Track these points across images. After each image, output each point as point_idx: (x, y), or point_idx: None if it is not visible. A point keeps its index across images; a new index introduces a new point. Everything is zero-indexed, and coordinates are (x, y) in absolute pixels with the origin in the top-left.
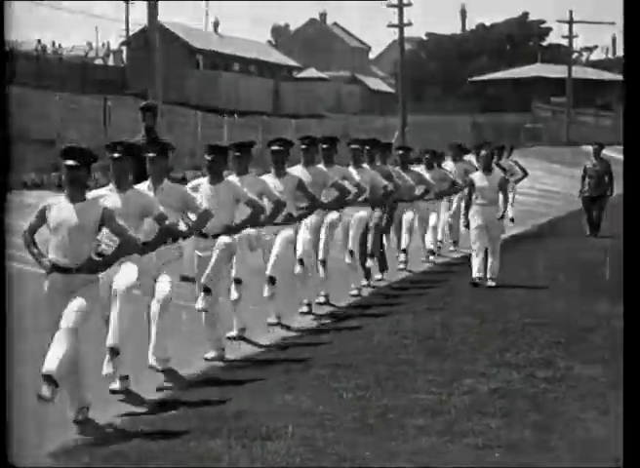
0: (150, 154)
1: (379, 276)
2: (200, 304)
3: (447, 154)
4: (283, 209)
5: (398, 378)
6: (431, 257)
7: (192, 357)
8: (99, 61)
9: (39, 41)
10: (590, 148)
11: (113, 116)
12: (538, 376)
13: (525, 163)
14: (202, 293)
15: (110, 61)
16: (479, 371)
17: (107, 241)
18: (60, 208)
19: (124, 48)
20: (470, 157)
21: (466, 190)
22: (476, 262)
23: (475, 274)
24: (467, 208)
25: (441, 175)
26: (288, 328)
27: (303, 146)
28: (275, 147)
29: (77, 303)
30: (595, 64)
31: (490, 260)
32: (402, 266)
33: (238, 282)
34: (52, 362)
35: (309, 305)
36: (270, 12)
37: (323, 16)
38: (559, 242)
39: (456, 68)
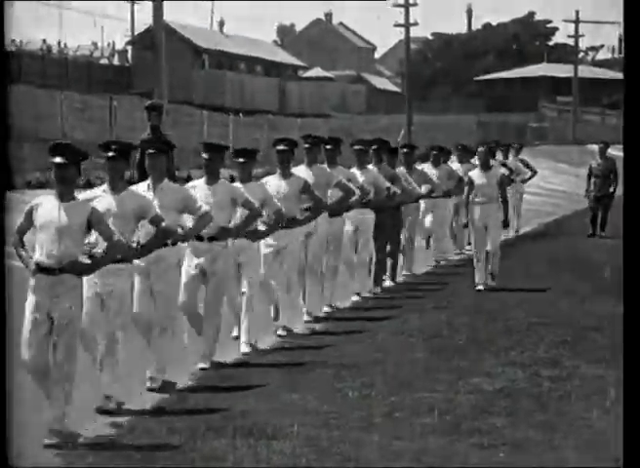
0: (150, 151)
1: (388, 283)
2: None
3: (453, 154)
4: (283, 219)
5: (403, 377)
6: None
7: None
8: (104, 61)
9: (44, 41)
10: (596, 147)
11: (119, 115)
12: (543, 375)
13: (531, 162)
14: None
15: (116, 61)
16: (484, 371)
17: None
18: (49, 206)
19: (129, 47)
20: (498, 157)
21: (465, 189)
22: (478, 268)
23: (477, 280)
24: (467, 206)
25: (448, 172)
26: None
27: (307, 146)
28: (281, 147)
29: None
30: (601, 63)
31: (490, 261)
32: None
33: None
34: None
35: (310, 314)
36: (276, 12)
37: (329, 15)
38: (565, 241)
39: (462, 68)
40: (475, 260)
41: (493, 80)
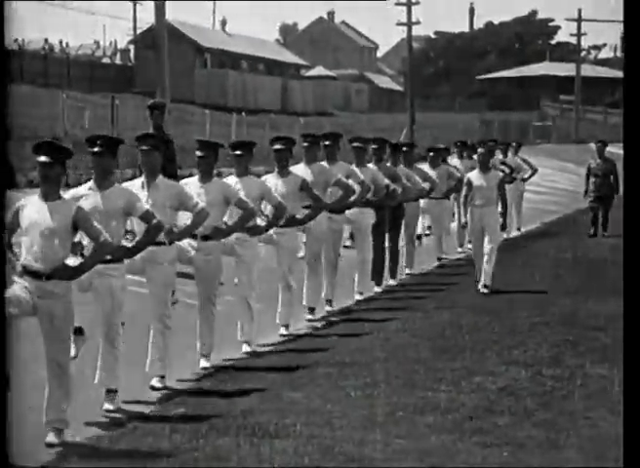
0: (143, 148)
1: (392, 282)
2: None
3: (452, 151)
4: (285, 213)
5: (407, 377)
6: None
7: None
8: (106, 60)
9: (46, 40)
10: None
11: (121, 115)
12: (546, 375)
13: (533, 161)
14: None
15: (118, 60)
16: (488, 370)
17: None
18: (33, 207)
19: (131, 46)
20: (498, 155)
21: (464, 189)
22: (478, 269)
23: (479, 279)
24: (466, 208)
25: (447, 172)
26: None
27: (306, 144)
28: (278, 146)
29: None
30: (604, 62)
31: (484, 265)
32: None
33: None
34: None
35: (312, 310)
36: (278, 10)
37: (331, 14)
38: (568, 240)
39: (464, 66)
40: (475, 262)
41: (495, 79)
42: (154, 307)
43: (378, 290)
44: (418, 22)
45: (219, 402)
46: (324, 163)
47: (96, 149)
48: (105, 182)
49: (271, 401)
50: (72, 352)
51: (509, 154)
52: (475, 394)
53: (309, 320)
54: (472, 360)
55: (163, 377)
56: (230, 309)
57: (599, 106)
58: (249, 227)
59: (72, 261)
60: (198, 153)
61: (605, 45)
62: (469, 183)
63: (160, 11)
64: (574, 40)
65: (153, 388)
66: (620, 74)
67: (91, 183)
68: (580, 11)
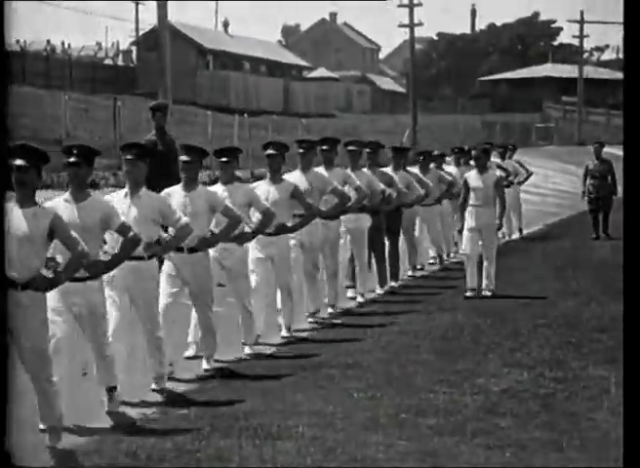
0: (127, 157)
1: (379, 290)
2: None
3: (449, 158)
4: (272, 219)
5: (409, 378)
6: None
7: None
8: (108, 61)
9: (48, 41)
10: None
11: (123, 116)
12: (548, 377)
13: (536, 163)
14: None
15: (120, 61)
16: (490, 372)
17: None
18: (10, 213)
19: (134, 48)
20: (495, 159)
21: (462, 191)
22: (469, 273)
23: (468, 285)
24: (462, 210)
25: (438, 176)
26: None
27: (301, 150)
28: (270, 151)
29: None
30: (606, 64)
31: (485, 268)
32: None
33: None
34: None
35: (315, 312)
36: (280, 12)
37: (333, 15)
38: (570, 242)
39: (466, 68)
40: (466, 263)
41: (497, 80)
42: (143, 323)
43: (380, 291)
44: (420, 24)
45: (221, 403)
46: (320, 169)
47: (72, 159)
48: (82, 194)
49: (274, 402)
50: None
51: (506, 157)
52: (477, 396)
53: (311, 321)
54: (474, 362)
55: (161, 379)
56: (232, 311)
57: (602, 108)
58: (235, 236)
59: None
60: (183, 158)
61: (608, 46)
62: (466, 184)
63: (162, 12)
64: (576, 42)
65: (154, 390)
66: (622, 76)
67: (67, 195)
68: (582, 12)
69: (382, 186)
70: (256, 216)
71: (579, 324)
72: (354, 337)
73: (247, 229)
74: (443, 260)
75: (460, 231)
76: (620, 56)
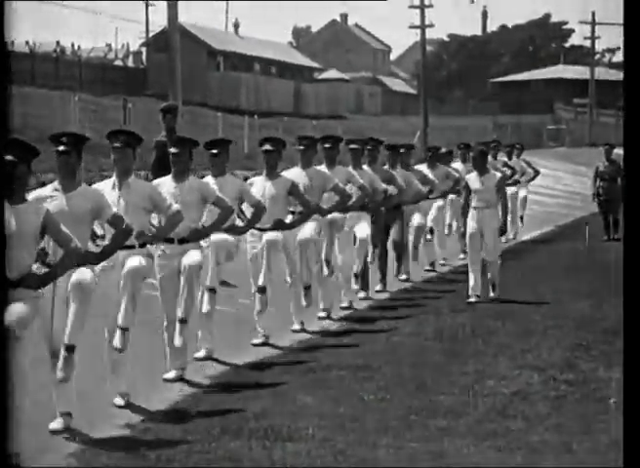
0: (115, 145)
1: (378, 287)
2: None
3: (456, 154)
4: (264, 212)
5: (420, 380)
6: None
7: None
8: (118, 63)
9: (58, 43)
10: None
11: (133, 117)
12: (559, 379)
13: (547, 164)
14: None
15: (130, 63)
16: (501, 374)
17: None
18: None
19: (144, 49)
20: (502, 158)
21: (463, 194)
22: (472, 278)
23: (471, 291)
24: (465, 213)
25: (444, 172)
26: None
27: (301, 147)
28: (267, 147)
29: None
30: (618, 65)
31: (488, 271)
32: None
33: (212, 291)
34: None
35: (327, 310)
36: (291, 13)
37: (344, 17)
38: (581, 243)
39: (477, 69)
40: (470, 268)
41: (509, 82)
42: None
43: (380, 288)
44: (431, 25)
45: (231, 404)
46: (322, 167)
47: (60, 148)
48: (71, 183)
49: (284, 404)
50: (59, 375)
51: (513, 157)
52: (488, 398)
53: (320, 318)
54: (485, 363)
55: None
56: (243, 312)
57: (613, 109)
58: (228, 228)
59: (36, 268)
60: (172, 150)
61: (619, 48)
62: (467, 186)
63: (172, 13)
64: (588, 43)
65: (117, 405)
66: None
67: (56, 184)
68: (593, 14)
69: (384, 185)
70: (248, 210)
71: (589, 326)
72: (365, 339)
73: (238, 223)
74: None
75: (464, 235)
76: None
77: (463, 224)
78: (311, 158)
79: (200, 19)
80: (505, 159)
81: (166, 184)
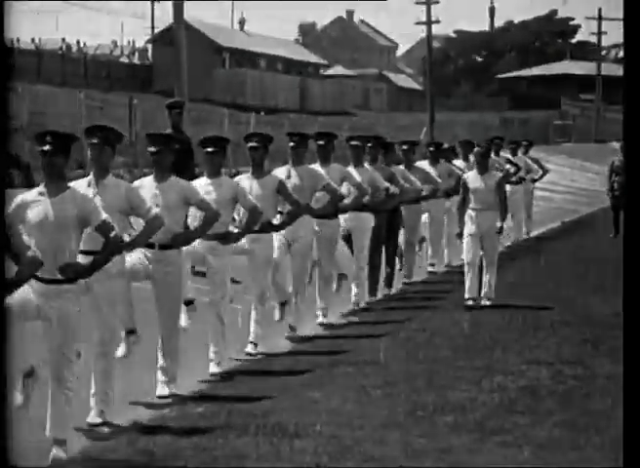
0: (92, 141)
1: (385, 291)
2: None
3: (457, 151)
4: (260, 218)
5: (427, 376)
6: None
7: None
8: (124, 59)
9: (63, 39)
10: (619, 145)
11: (139, 114)
12: (567, 374)
13: (554, 160)
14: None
15: (136, 59)
16: (508, 369)
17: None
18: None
19: (150, 46)
20: (505, 154)
21: (460, 194)
22: (468, 280)
23: (467, 295)
24: (461, 214)
25: (447, 169)
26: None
27: (292, 144)
28: (252, 144)
29: None
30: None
31: (485, 275)
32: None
33: (189, 303)
34: None
35: (324, 310)
36: (297, 10)
37: (350, 13)
38: (589, 239)
39: (484, 65)
40: (466, 270)
41: (515, 78)
42: (100, 330)
43: (371, 299)
44: (437, 21)
45: (238, 401)
46: (315, 165)
47: (45, 148)
48: (57, 186)
49: (291, 400)
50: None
51: (519, 153)
52: (496, 393)
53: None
54: (493, 359)
55: (102, 412)
56: (250, 309)
57: (619, 105)
58: (220, 235)
59: None
60: (151, 149)
61: None
62: (465, 186)
63: (178, 10)
64: (594, 39)
65: (90, 424)
66: None
67: (41, 187)
68: (600, 10)
69: (386, 183)
70: (242, 214)
71: (597, 321)
72: (371, 335)
73: (231, 228)
74: (434, 266)
75: (460, 236)
76: None
77: (459, 225)
78: (302, 155)
79: (206, 15)
80: (509, 156)
81: (146, 185)
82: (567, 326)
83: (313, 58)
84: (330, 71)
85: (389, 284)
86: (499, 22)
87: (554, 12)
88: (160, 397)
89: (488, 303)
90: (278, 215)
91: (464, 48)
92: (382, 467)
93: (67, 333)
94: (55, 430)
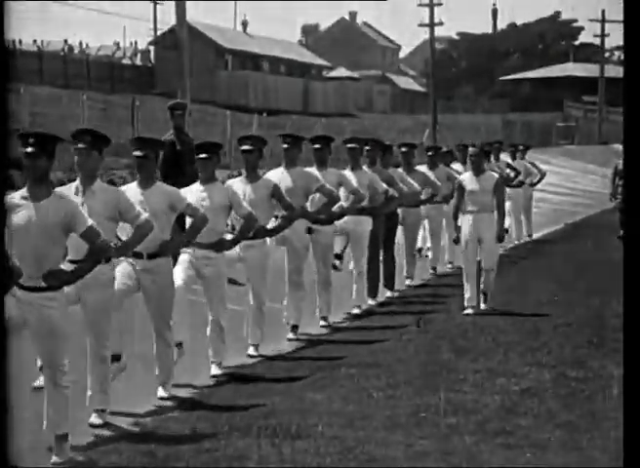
0: (79, 146)
1: (388, 294)
2: None
3: (455, 155)
4: (255, 225)
5: (429, 378)
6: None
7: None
8: (126, 61)
9: (66, 41)
10: (621, 147)
11: (141, 116)
12: (569, 376)
13: (557, 162)
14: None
15: (138, 61)
16: (511, 371)
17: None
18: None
19: (152, 47)
20: (505, 158)
21: (455, 195)
22: (467, 287)
23: (467, 303)
24: (456, 217)
25: (445, 173)
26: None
27: (285, 146)
28: (246, 147)
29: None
30: None
31: (483, 282)
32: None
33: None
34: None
35: (295, 328)
36: (300, 11)
37: (353, 15)
38: (592, 241)
39: (487, 67)
40: (464, 277)
41: (518, 80)
42: (91, 339)
43: (372, 302)
44: (440, 23)
45: (240, 402)
46: (312, 169)
47: (28, 149)
48: (41, 190)
49: (293, 402)
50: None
51: (518, 157)
52: (498, 395)
53: (290, 339)
54: (495, 361)
55: (104, 411)
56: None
57: (622, 107)
58: (213, 244)
59: None
60: (136, 153)
61: None
62: (461, 188)
63: (181, 11)
64: (597, 41)
65: (92, 425)
66: None
67: (24, 191)
68: (603, 12)
69: (385, 187)
70: (235, 220)
71: (600, 323)
72: (374, 337)
73: (226, 236)
74: (436, 271)
75: (456, 241)
76: None
77: (455, 229)
78: (295, 157)
79: (208, 17)
80: (509, 160)
81: (131, 191)
82: (569, 327)
83: (316, 60)
84: (333, 73)
85: (390, 286)
86: (502, 25)
87: (557, 14)
88: (161, 398)
89: (485, 307)
90: (273, 220)
91: (467, 50)
92: None
93: (53, 341)
94: (55, 427)
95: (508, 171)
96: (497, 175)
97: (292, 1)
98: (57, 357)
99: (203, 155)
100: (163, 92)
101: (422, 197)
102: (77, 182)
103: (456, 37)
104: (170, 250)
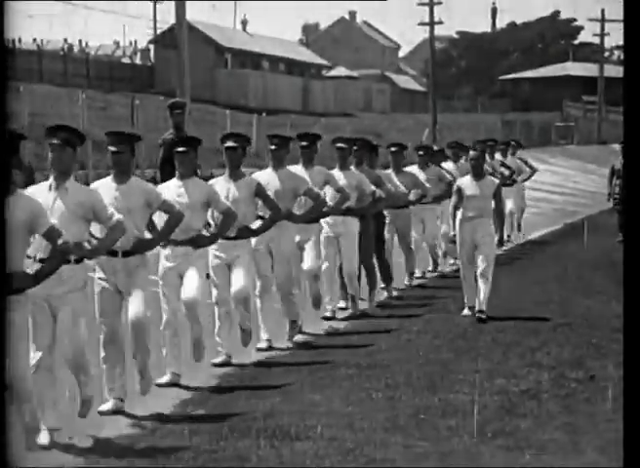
0: (53, 141)
1: (386, 294)
2: None
3: (447, 153)
4: (234, 220)
5: (428, 379)
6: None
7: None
8: (126, 60)
9: (65, 40)
10: (619, 147)
11: (141, 114)
12: (569, 377)
13: (556, 162)
14: None
15: (138, 60)
16: (510, 372)
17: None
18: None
19: (152, 46)
20: (498, 157)
21: (453, 198)
22: (466, 291)
23: (466, 308)
24: (454, 220)
25: (437, 174)
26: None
27: (273, 146)
28: (229, 144)
29: None
30: None
31: (479, 286)
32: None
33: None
34: None
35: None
36: (300, 10)
37: (353, 14)
38: (591, 241)
39: (486, 67)
40: (463, 282)
41: (518, 79)
42: (67, 344)
43: (373, 304)
44: (440, 22)
45: (239, 403)
46: (298, 167)
47: None
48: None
49: (292, 402)
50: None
51: (508, 155)
52: (497, 396)
53: (259, 349)
54: (494, 362)
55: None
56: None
57: (622, 107)
58: (189, 240)
59: None
60: (111, 148)
61: None
62: (460, 191)
63: (180, 10)
64: (597, 40)
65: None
66: None
67: None
68: (603, 11)
69: (373, 187)
70: (215, 217)
71: (599, 324)
72: (373, 338)
73: (204, 232)
74: (437, 266)
75: (454, 242)
76: None
77: (453, 231)
78: (283, 158)
79: (208, 16)
80: (501, 158)
81: (105, 187)
82: (568, 328)
83: (316, 60)
84: (332, 72)
85: (387, 287)
86: (501, 24)
87: (557, 13)
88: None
89: (482, 316)
90: (258, 221)
91: (467, 49)
92: None
93: (16, 344)
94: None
95: (502, 169)
96: (497, 181)
97: (291, 1)
98: (21, 360)
99: (180, 149)
100: (162, 91)
101: (412, 197)
102: (50, 180)
103: (455, 36)
104: (145, 247)
